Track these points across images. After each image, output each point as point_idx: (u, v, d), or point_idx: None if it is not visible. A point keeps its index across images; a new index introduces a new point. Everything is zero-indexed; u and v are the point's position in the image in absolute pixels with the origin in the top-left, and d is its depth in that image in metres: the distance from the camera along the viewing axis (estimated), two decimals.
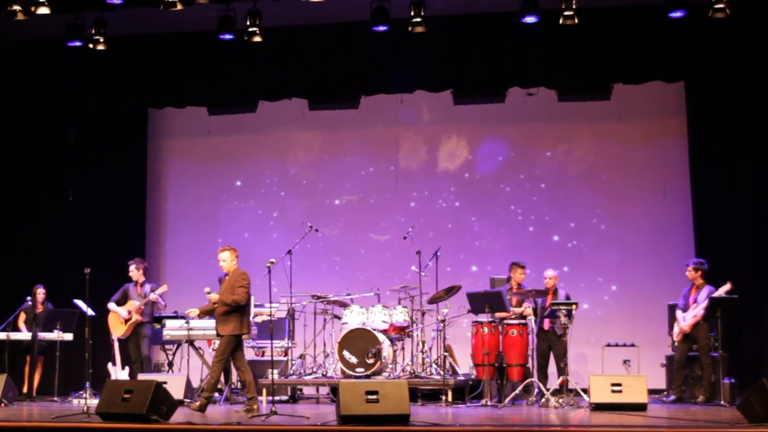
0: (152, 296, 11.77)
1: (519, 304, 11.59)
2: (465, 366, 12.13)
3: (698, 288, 11.22)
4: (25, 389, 12.52)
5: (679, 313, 11.28)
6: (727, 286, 10.90)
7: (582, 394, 10.77)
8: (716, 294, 10.94)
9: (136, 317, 11.81)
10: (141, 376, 11.12)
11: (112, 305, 11.93)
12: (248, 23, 11.94)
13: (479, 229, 14.02)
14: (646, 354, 12.18)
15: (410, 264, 12.17)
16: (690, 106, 13.14)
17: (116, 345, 12.00)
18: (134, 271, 12.01)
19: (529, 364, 11.17)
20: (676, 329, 11.33)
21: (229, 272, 10.23)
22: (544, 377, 11.29)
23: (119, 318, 11.90)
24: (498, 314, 11.22)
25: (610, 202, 13.65)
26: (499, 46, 12.80)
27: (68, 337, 12.46)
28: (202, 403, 10.02)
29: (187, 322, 11.76)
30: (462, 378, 11.53)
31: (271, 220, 14.47)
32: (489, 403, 10.84)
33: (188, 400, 10.95)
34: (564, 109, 13.63)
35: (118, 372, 11.85)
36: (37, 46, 13.74)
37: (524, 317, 11.37)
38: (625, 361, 12.29)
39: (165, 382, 9.44)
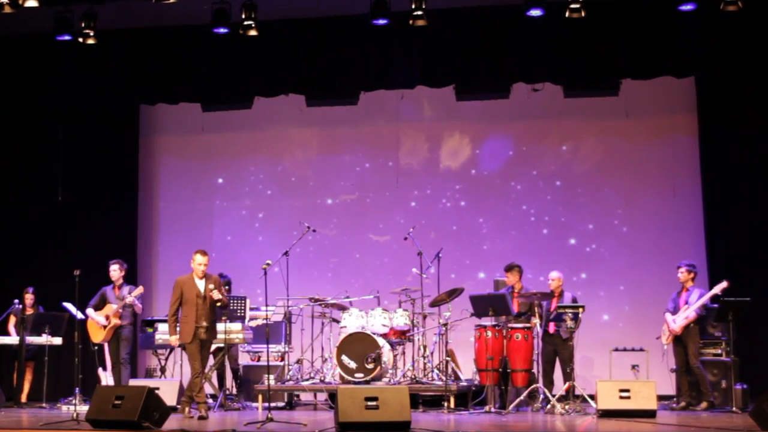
0: (128, 299, 11.55)
1: (526, 308, 11.39)
2: (468, 371, 11.98)
3: (687, 290, 11.14)
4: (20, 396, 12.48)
5: (668, 316, 11.17)
6: (724, 284, 10.82)
7: (589, 400, 10.67)
8: (713, 292, 10.89)
9: (114, 321, 11.54)
10: (132, 382, 11.05)
11: (90, 311, 11.70)
12: (243, 16, 11.85)
13: (487, 231, 13.75)
14: (656, 359, 11.96)
15: (411, 266, 12.04)
16: (701, 102, 13.01)
17: (107, 349, 11.86)
18: (116, 272, 11.71)
19: (534, 369, 11.07)
20: (665, 332, 11.19)
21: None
22: (549, 383, 11.18)
23: (97, 324, 11.66)
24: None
25: (616, 201, 13.51)
26: (503, 40, 12.71)
27: (57, 341, 12.38)
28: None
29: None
30: (465, 384, 11.43)
31: (268, 219, 14.28)
32: (492, 409, 10.74)
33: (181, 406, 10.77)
34: (570, 105, 13.50)
35: (109, 377, 11.75)
36: (24, 40, 13.63)
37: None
38: (633, 366, 12.14)
39: (157, 388, 9.37)
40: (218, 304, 10.14)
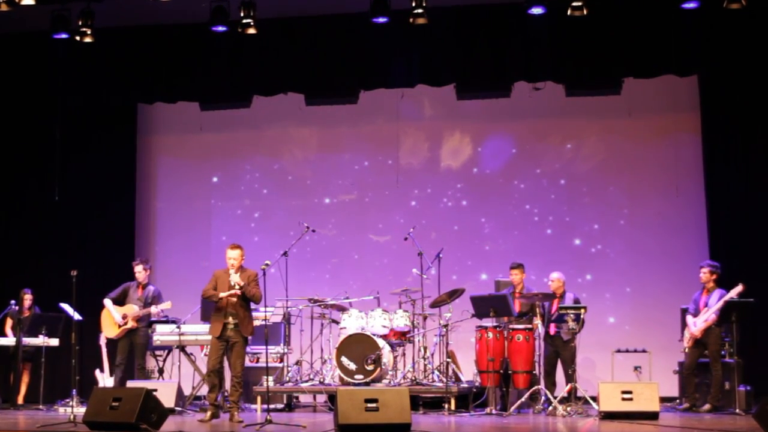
0: (154, 309, 11.38)
1: (527, 309, 11.31)
2: (469, 373, 11.91)
3: (709, 291, 11.04)
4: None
5: (689, 318, 11.11)
6: (739, 288, 10.72)
7: (591, 402, 10.63)
8: (728, 296, 10.76)
9: (132, 324, 11.38)
10: (130, 383, 10.92)
11: (108, 302, 11.54)
12: (242, 14, 11.75)
13: (489, 231, 13.65)
14: (658, 360, 11.94)
15: (411, 266, 11.97)
16: (704, 101, 12.92)
17: (104, 350, 11.79)
18: (141, 273, 11.57)
19: (536, 371, 11.00)
20: (686, 335, 11.14)
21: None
22: (551, 384, 11.14)
23: (114, 319, 11.49)
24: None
25: (621, 201, 13.43)
26: (505, 39, 12.63)
27: (54, 342, 12.33)
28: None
29: (179, 327, 11.52)
30: (465, 385, 11.37)
31: (264, 219, 14.20)
32: (493, 411, 10.68)
33: (179, 408, 10.79)
34: (572, 104, 13.41)
35: (106, 379, 11.68)
36: (21, 39, 13.53)
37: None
38: (636, 368, 12.07)
39: (155, 390, 9.27)
40: (240, 291, 9.74)
